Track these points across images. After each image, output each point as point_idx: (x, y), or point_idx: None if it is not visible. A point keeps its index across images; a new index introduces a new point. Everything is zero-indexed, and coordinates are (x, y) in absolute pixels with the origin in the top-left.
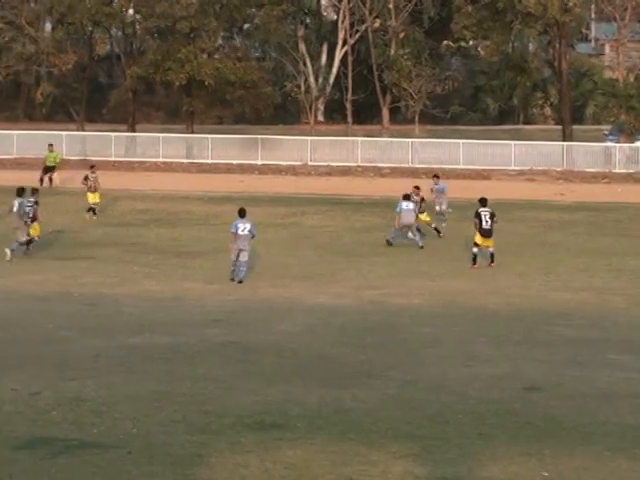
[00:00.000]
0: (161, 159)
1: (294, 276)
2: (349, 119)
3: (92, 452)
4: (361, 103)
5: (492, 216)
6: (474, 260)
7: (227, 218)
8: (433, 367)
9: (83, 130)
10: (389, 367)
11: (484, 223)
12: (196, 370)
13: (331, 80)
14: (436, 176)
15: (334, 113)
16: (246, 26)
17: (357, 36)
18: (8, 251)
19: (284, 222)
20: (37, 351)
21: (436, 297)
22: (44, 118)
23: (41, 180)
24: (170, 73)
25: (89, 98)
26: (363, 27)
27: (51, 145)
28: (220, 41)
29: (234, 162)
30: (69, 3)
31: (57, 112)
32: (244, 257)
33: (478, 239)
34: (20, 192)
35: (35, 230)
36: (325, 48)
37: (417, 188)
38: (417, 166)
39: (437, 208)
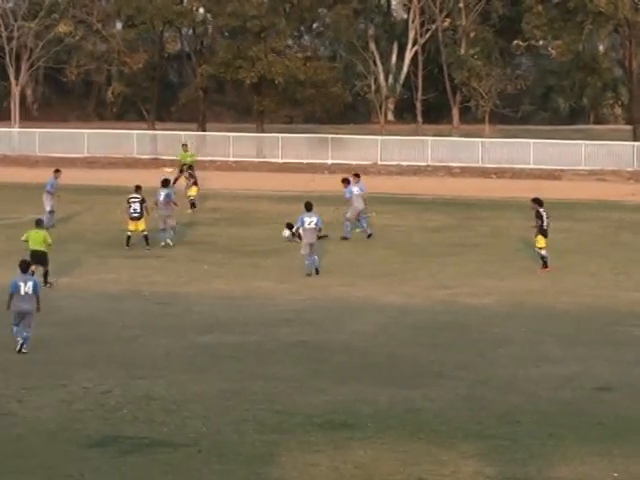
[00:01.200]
0: (232, 158)
1: (365, 275)
2: (419, 118)
3: (162, 450)
4: (431, 102)
5: (548, 216)
6: (545, 263)
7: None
8: (503, 367)
9: (153, 129)
10: (459, 367)
11: (545, 223)
12: (267, 369)
13: (401, 79)
14: (356, 175)
15: (404, 112)
16: (316, 25)
17: (427, 35)
18: (169, 241)
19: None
20: (107, 350)
21: (506, 297)
22: (114, 117)
23: (175, 180)
24: (241, 71)
25: (159, 97)
26: (433, 26)
27: (185, 145)
28: (290, 40)
29: (304, 161)
30: (137, 5)
31: (127, 111)
32: (314, 250)
33: (541, 241)
34: (165, 183)
35: (139, 225)
36: (395, 47)
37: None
38: (487, 166)
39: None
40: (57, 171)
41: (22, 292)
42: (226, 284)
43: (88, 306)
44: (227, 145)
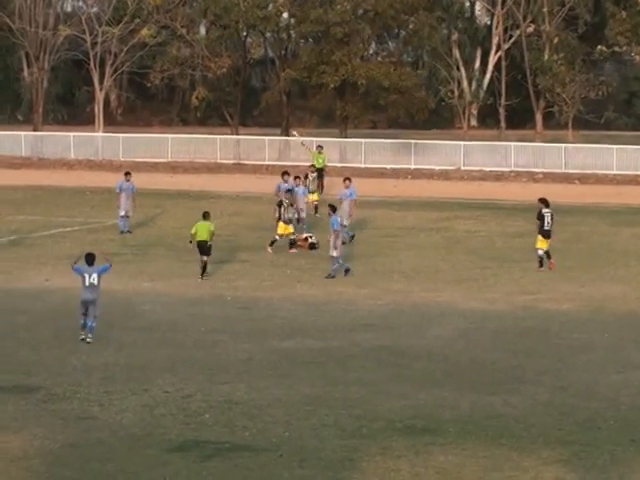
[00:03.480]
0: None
1: (446, 280)
2: (502, 124)
3: (244, 455)
4: (514, 108)
5: (552, 217)
6: (541, 262)
7: (381, 222)
8: (584, 373)
9: (237, 134)
10: (540, 373)
11: (546, 224)
12: (348, 374)
13: (485, 85)
14: (348, 179)
15: (487, 118)
16: (400, 31)
17: (511, 41)
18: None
19: (436, 226)
20: (189, 354)
21: (586, 302)
22: (198, 122)
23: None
24: (324, 76)
25: (242, 102)
26: (517, 32)
27: (320, 147)
28: (373, 46)
29: (387, 166)
30: (225, 5)
31: (211, 116)
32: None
33: (541, 241)
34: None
35: (289, 229)
36: (479, 53)
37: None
38: (570, 171)
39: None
40: (127, 174)
41: (87, 283)
42: (309, 289)
43: (170, 311)
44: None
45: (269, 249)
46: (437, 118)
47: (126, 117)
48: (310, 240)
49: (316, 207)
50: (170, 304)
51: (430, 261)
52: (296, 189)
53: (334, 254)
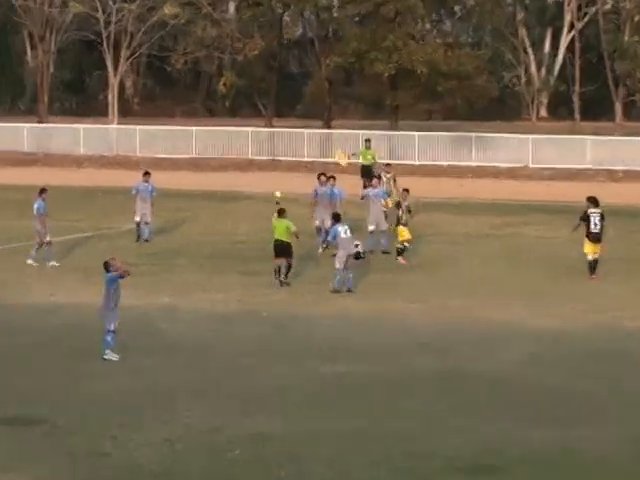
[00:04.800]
0: (360, 160)
1: (513, 295)
2: (576, 115)
3: None
4: (590, 96)
5: (602, 218)
6: (592, 269)
7: (438, 228)
8: None
9: (271, 126)
10: (625, 404)
11: (592, 226)
12: (399, 404)
13: (556, 70)
14: (332, 177)
15: (559, 108)
16: (458, 9)
17: (585, 20)
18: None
19: (501, 233)
20: (215, 380)
21: None
22: (227, 112)
23: (364, 187)
24: (377, 64)
25: (278, 89)
26: (592, 9)
27: (368, 141)
28: (428, 26)
29: (444, 163)
30: None
31: (241, 105)
32: (351, 265)
33: (588, 245)
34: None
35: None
36: (549, 34)
37: (331, 177)
38: None
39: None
40: (146, 174)
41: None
42: (354, 304)
43: (193, 329)
44: (355, 144)
45: (401, 259)
46: (501, 108)
47: (144, 107)
48: (356, 249)
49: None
50: (194, 322)
51: (495, 273)
52: (336, 191)
53: (337, 265)
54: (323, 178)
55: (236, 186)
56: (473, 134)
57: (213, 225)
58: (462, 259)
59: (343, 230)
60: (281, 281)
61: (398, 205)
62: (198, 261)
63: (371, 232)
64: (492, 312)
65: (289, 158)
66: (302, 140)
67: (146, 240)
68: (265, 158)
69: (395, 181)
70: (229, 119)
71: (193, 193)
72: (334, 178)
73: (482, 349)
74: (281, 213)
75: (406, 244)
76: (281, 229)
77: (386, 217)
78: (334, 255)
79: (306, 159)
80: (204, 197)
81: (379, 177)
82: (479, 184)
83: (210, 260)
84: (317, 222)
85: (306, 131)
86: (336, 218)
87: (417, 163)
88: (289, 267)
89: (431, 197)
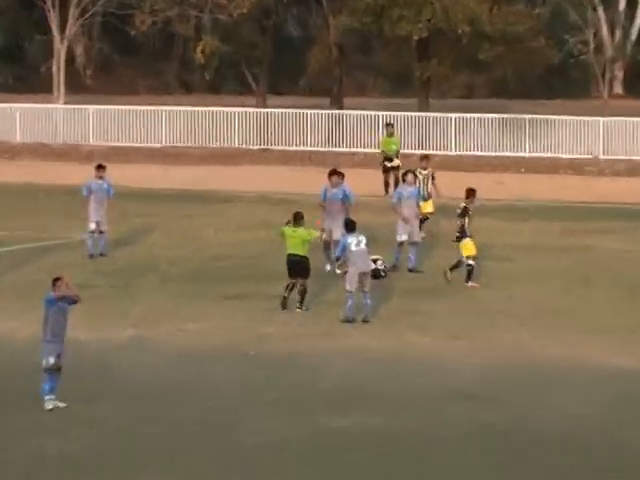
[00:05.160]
0: (372, 149)
1: (580, 327)
2: None
3: None
4: None
5: None
6: None
7: (483, 238)
8: None
9: (265, 106)
10: None
11: None
12: (432, 470)
13: (633, 34)
14: (339, 173)
15: (638, 82)
16: None
17: None
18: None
19: (566, 244)
20: (192, 437)
21: None
22: (207, 88)
23: (386, 185)
24: (402, 24)
25: (273, 58)
26: None
27: (390, 126)
28: None
29: (490, 154)
30: None
31: (226, 79)
32: (368, 286)
33: None
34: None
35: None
36: None
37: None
38: None
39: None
40: (100, 168)
41: None
42: (370, 338)
43: (163, 371)
44: (372, 129)
45: (471, 284)
46: (563, 82)
47: (99, 81)
48: (376, 265)
49: (422, 220)
50: (163, 361)
51: (555, 297)
52: (347, 192)
53: (347, 287)
54: (335, 178)
55: (219, 184)
56: (526, 116)
57: (189, 235)
58: (515, 280)
59: (355, 242)
60: (285, 301)
61: (464, 212)
62: (169, 282)
63: (400, 244)
64: (554, 349)
65: (288, 147)
66: (305, 124)
67: (102, 254)
68: (256, 148)
69: (434, 179)
70: (210, 97)
71: (163, 193)
72: (342, 175)
73: (541, 399)
74: (297, 219)
75: (471, 262)
76: (296, 240)
77: (420, 226)
78: (344, 273)
79: (310, 149)
80: (177, 198)
81: (413, 174)
82: (535, 181)
83: (185, 281)
84: (325, 235)
85: (310, 112)
86: (349, 226)
87: (453, 154)
88: (304, 291)
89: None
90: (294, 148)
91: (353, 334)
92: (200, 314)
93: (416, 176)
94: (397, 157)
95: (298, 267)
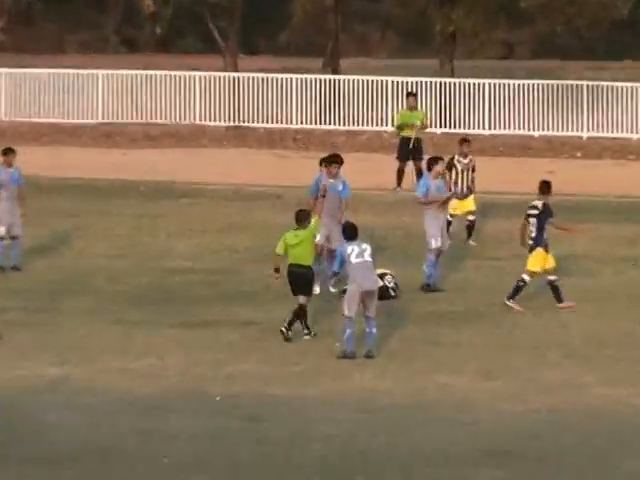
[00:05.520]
0: (386, 126)
1: None
2: None
3: None
4: None
5: None
6: None
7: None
8: None
9: (235, 69)
10: None
11: None
12: None
13: None
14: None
15: None
16: None
17: None
18: None
19: (636, 254)
20: None
21: None
22: (157, 46)
23: (399, 175)
24: None
25: (246, 8)
26: None
27: (412, 95)
28: None
29: (535, 134)
30: None
31: (182, 35)
32: (373, 309)
33: None
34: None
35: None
36: None
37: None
38: None
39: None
40: (8, 152)
41: None
42: (376, 380)
43: (99, 424)
44: (378, 100)
45: (511, 303)
46: (632, 39)
47: (14, 36)
48: (383, 282)
49: (449, 223)
50: (101, 410)
51: (623, 323)
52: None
53: (345, 311)
54: (335, 167)
55: (174, 173)
56: (584, 82)
57: (134, 240)
58: (569, 299)
59: (356, 252)
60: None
61: (545, 210)
62: (107, 303)
63: (436, 252)
64: (619, 393)
65: (266, 125)
66: (288, 93)
67: (14, 267)
68: (224, 124)
69: (474, 171)
70: (162, 57)
71: (98, 185)
72: (341, 161)
73: (606, 460)
74: (300, 219)
75: (526, 277)
76: (301, 248)
77: (449, 229)
78: (342, 293)
79: (295, 126)
80: (118, 192)
81: (446, 162)
82: (595, 169)
83: (128, 302)
84: (319, 237)
85: (295, 77)
86: (348, 232)
87: (487, 133)
88: (304, 313)
89: (511, 191)
90: (274, 125)
91: (353, 374)
92: (149, 346)
93: (452, 165)
94: (420, 142)
95: (301, 280)
